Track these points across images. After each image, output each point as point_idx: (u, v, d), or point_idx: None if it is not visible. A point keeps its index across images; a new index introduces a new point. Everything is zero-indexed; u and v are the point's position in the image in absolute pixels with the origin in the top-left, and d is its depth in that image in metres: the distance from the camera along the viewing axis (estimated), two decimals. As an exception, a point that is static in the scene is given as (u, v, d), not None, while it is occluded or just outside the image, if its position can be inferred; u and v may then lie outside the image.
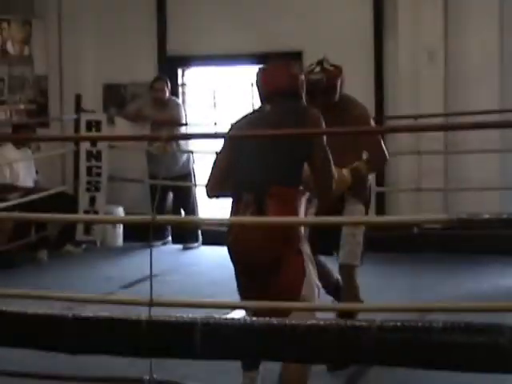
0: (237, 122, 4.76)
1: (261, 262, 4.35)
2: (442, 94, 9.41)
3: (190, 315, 3.44)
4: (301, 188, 4.47)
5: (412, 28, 9.45)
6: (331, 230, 5.64)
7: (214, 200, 4.78)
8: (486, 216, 3.47)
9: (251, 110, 4.95)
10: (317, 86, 5.62)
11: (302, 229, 4.55)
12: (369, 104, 9.37)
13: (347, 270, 5.78)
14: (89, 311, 3.66)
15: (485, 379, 3.67)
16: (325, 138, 4.52)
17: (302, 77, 4.80)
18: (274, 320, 3.34)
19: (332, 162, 4.51)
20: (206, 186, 4.65)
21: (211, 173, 4.65)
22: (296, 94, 4.73)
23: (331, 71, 5.73)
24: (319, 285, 4.66)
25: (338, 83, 5.74)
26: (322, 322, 3.19)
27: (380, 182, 9.57)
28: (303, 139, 4.48)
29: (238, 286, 4.57)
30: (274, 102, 4.68)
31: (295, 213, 4.39)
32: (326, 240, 5.64)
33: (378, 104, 9.66)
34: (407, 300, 6.38)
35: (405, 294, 7.11)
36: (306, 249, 4.56)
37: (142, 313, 3.49)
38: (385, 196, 9.72)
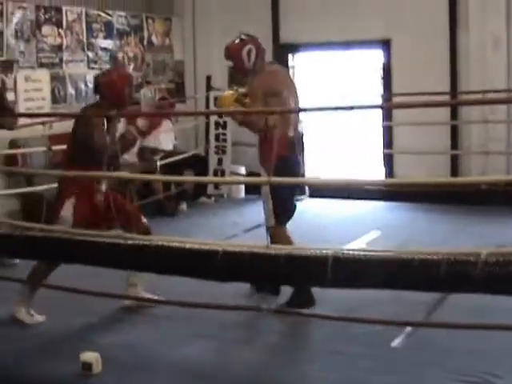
0: None
1: None
2: (505, 73, 9.18)
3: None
4: None
5: (480, 17, 9.22)
6: None
7: None
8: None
9: None
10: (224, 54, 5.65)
11: None
12: (444, 82, 9.38)
13: (269, 231, 5.15)
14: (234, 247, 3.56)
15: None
16: None
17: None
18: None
19: None
20: None
21: None
22: None
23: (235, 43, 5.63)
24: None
25: (242, 52, 5.54)
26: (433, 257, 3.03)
27: (454, 146, 9.55)
28: None
29: None
30: None
31: None
32: None
33: (452, 81, 9.48)
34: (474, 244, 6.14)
35: (473, 240, 6.91)
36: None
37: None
38: (458, 158, 9.61)
